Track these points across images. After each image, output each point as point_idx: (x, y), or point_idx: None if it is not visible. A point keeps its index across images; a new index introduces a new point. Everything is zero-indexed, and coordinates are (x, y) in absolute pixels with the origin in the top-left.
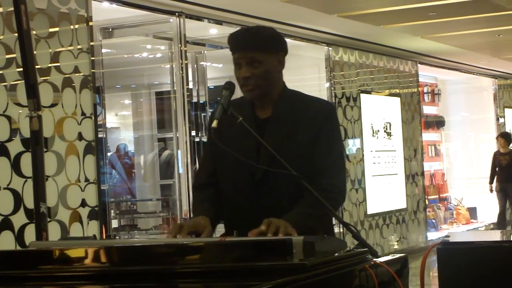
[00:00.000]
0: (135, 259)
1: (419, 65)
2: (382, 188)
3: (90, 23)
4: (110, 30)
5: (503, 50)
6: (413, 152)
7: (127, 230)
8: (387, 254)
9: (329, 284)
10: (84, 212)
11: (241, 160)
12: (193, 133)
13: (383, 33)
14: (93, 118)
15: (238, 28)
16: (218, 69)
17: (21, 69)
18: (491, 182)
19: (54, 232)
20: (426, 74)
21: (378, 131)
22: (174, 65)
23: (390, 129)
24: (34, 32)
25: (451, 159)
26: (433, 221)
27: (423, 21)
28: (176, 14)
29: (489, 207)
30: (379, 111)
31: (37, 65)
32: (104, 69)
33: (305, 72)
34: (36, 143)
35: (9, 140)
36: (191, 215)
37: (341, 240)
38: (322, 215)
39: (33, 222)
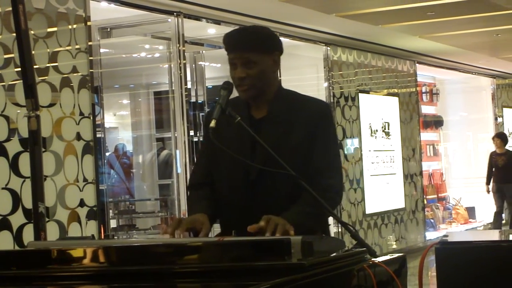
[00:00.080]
0: (133, 259)
1: (417, 64)
2: (381, 188)
3: (88, 23)
4: (108, 30)
5: (501, 50)
6: (412, 151)
7: (126, 230)
8: (386, 254)
9: (328, 284)
10: (82, 212)
11: (238, 159)
12: (192, 133)
13: (381, 32)
14: (91, 118)
15: (236, 27)
16: (217, 69)
17: (19, 69)
18: (487, 183)
19: (52, 232)
20: (425, 73)
21: (377, 130)
22: (172, 65)
23: (388, 129)
24: (32, 32)
25: (450, 158)
26: (432, 220)
27: (421, 20)
28: (174, 14)
29: (487, 207)
30: (378, 111)
31: (35, 65)
32: (102, 69)
33: (304, 72)
34: (34, 143)
35: (7, 140)
36: (188, 214)
37: (340, 240)
38: (320, 215)
39: (31, 222)
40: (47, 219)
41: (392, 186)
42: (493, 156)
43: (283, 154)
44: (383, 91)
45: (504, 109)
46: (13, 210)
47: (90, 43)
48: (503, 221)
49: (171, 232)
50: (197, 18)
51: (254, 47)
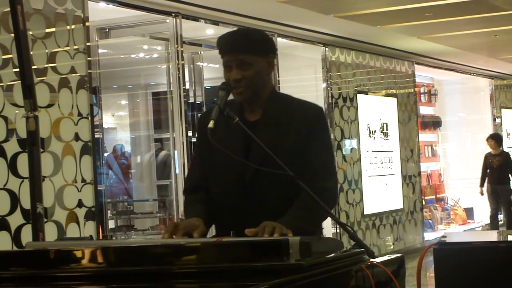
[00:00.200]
0: (131, 260)
1: (415, 65)
2: (379, 189)
3: (87, 24)
4: (107, 30)
5: (499, 51)
6: (410, 152)
7: (124, 231)
8: (384, 255)
9: (326, 284)
10: (80, 212)
11: (234, 160)
12: (190, 133)
13: (379, 33)
14: (89, 118)
15: (234, 28)
16: (215, 69)
17: (18, 69)
18: (481, 185)
19: (50, 232)
20: (423, 74)
21: (375, 131)
22: (170, 66)
23: (386, 130)
24: (30, 33)
25: (448, 159)
26: (430, 221)
27: (420, 21)
28: (173, 14)
29: (485, 208)
30: (376, 112)
31: (34, 65)
32: (100, 70)
33: (302, 73)
34: (33, 144)
35: (6, 140)
36: (184, 219)
37: (338, 241)
38: (316, 218)
39: (29, 222)
40: (45, 220)
41: (391, 186)
42: (488, 157)
43: (277, 157)
44: (381, 92)
45: (502, 110)
46: (11, 211)
47: (88, 43)
48: (501, 222)
49: (168, 237)
50: (195, 18)
51: (249, 49)
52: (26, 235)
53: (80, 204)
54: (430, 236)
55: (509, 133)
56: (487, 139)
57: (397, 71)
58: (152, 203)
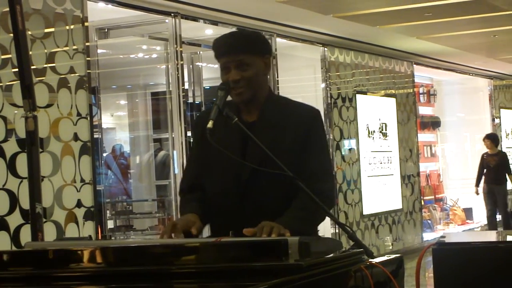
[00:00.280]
0: (131, 260)
1: (414, 65)
2: (378, 189)
3: (86, 24)
4: (106, 30)
5: (498, 51)
6: (409, 152)
7: (123, 231)
8: (383, 255)
9: (325, 284)
10: (79, 212)
11: (231, 160)
12: (189, 133)
13: (378, 33)
14: (88, 118)
15: (234, 28)
16: (214, 69)
17: (17, 69)
18: (477, 185)
19: (49, 232)
20: (422, 74)
21: (374, 131)
22: (169, 66)
23: (385, 130)
24: (29, 33)
25: (447, 159)
26: (429, 221)
27: (419, 21)
28: (172, 14)
29: (484, 208)
30: (375, 112)
31: (33, 65)
32: (99, 70)
33: (301, 73)
34: (32, 144)
35: (5, 140)
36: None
37: (337, 241)
38: (315, 219)
39: (28, 222)
40: (44, 220)
41: (390, 187)
42: (484, 157)
43: (273, 159)
44: (380, 92)
45: (501, 110)
46: (11, 211)
47: (87, 43)
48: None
49: (168, 238)
50: (195, 19)
51: (247, 49)
52: (25, 235)
53: (79, 204)
54: (429, 236)
55: (508, 133)
56: (483, 139)
57: (396, 71)
58: (151, 203)
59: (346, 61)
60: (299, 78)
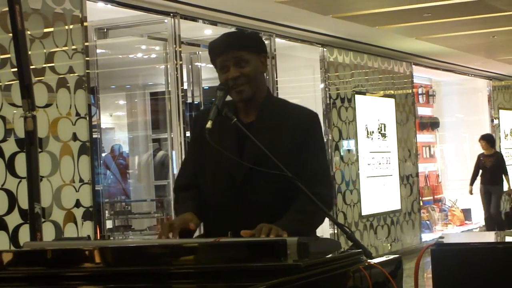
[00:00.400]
0: (129, 260)
1: (413, 66)
2: (377, 189)
3: (85, 24)
4: (105, 30)
5: (497, 52)
6: (408, 153)
7: (122, 231)
8: (381, 255)
9: (323, 285)
10: (78, 212)
11: (226, 161)
12: (188, 133)
13: (377, 34)
14: (87, 118)
15: (233, 28)
16: (213, 69)
17: (16, 69)
18: (471, 184)
19: (48, 232)
20: (421, 75)
21: (373, 132)
22: (168, 66)
23: (384, 130)
24: (28, 32)
25: (446, 160)
26: (428, 222)
27: (418, 22)
28: (171, 14)
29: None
30: (374, 112)
31: (32, 65)
32: (98, 70)
33: (300, 73)
34: (31, 144)
35: (4, 140)
36: (175, 216)
37: (335, 241)
38: (313, 222)
39: (27, 222)
40: (43, 220)
41: (388, 187)
42: (480, 157)
43: (270, 160)
44: (379, 93)
45: (500, 110)
46: (9, 211)
47: (86, 43)
48: None
49: (165, 238)
50: (194, 19)
51: (245, 46)
52: (24, 235)
53: (78, 204)
54: (427, 237)
55: (507, 134)
56: (479, 140)
57: (395, 72)
58: (150, 203)
59: (345, 62)
60: (298, 78)
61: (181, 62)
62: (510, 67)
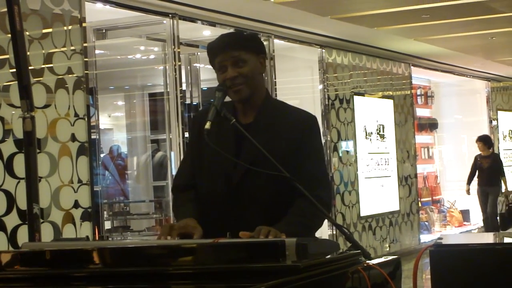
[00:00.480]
0: (128, 261)
1: (412, 67)
2: (375, 190)
3: (84, 24)
4: (104, 31)
5: (496, 53)
6: (406, 154)
7: (120, 232)
8: (380, 256)
9: (322, 286)
10: (77, 213)
11: (223, 162)
12: (186, 134)
13: (376, 35)
14: (86, 119)
15: (231, 29)
16: (212, 70)
17: (14, 70)
18: (468, 183)
19: (46, 233)
20: (419, 76)
21: (371, 133)
22: (167, 67)
23: (383, 131)
24: (27, 33)
25: (444, 161)
26: (426, 223)
27: (417, 23)
28: (170, 15)
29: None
30: (372, 113)
31: (30, 66)
32: (97, 70)
33: (299, 74)
34: (29, 144)
35: (2, 141)
36: (174, 216)
37: (334, 242)
38: (312, 225)
39: (26, 223)
40: (41, 220)
41: (387, 188)
42: (477, 158)
43: (267, 161)
44: (378, 94)
45: (498, 112)
46: (8, 211)
47: (85, 44)
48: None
49: (164, 239)
50: (192, 19)
51: (243, 46)
52: (22, 236)
53: (76, 205)
54: (426, 238)
55: (505, 135)
56: (476, 141)
57: (394, 73)
58: (148, 204)
59: (343, 63)
60: (297, 79)
61: (179, 63)
62: (508, 68)
